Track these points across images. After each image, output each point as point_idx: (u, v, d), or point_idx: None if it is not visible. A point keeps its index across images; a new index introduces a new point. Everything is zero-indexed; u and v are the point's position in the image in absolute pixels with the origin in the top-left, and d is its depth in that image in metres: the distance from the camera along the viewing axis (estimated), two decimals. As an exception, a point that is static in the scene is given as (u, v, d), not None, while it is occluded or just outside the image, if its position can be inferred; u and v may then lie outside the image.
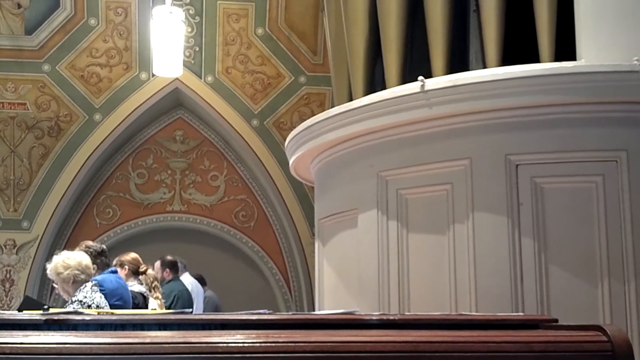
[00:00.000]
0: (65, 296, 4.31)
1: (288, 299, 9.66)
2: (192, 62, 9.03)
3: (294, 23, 9.11)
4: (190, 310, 5.22)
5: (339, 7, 4.53)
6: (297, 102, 9.32)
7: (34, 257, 9.00)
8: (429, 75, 3.83)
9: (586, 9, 3.57)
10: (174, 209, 9.66)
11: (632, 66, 3.33)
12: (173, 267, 6.90)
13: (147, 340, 1.73)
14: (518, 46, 3.86)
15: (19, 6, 8.69)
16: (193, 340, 1.75)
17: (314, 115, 4.73)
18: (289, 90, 9.29)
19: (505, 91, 3.47)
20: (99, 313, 2.37)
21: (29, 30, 8.77)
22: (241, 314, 2.21)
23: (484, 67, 3.82)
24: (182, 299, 6.57)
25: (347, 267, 4.09)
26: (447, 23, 3.95)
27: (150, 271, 5.55)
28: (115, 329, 2.03)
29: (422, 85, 3.63)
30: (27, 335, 1.71)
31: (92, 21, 8.87)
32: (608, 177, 3.37)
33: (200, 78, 9.15)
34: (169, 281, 6.77)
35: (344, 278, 4.14)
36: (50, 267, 4.30)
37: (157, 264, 6.74)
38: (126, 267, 5.37)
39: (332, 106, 4.42)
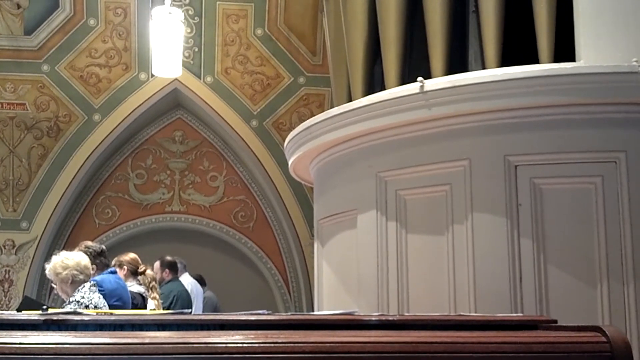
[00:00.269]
0: (63, 296, 4.31)
1: (287, 299, 9.66)
2: (192, 62, 9.04)
3: (293, 24, 9.11)
4: (189, 310, 5.23)
5: (338, 7, 4.53)
6: (297, 102, 9.32)
7: (33, 258, 9.00)
8: (428, 76, 3.83)
9: (585, 10, 3.57)
10: (173, 209, 9.67)
11: (631, 67, 3.33)
12: (172, 268, 6.90)
13: (146, 341, 1.73)
14: (517, 47, 3.86)
15: (18, 6, 8.69)
16: (192, 340, 1.75)
17: (313, 115, 4.73)
18: (288, 90, 9.29)
19: (505, 92, 3.47)
20: (97, 313, 2.37)
21: (28, 31, 8.77)
22: (240, 314, 2.21)
23: (483, 67, 3.82)
24: (181, 300, 6.58)
25: (346, 267, 4.09)
26: (446, 24, 3.95)
27: (148, 271, 5.56)
28: (114, 329, 2.03)
29: (422, 86, 3.63)
30: (26, 336, 1.71)
31: (92, 21, 8.88)
32: (607, 178, 3.37)
33: (200, 78, 9.15)
34: (169, 281, 6.76)
35: (343, 278, 4.14)
36: (49, 267, 4.30)
37: (157, 264, 6.74)
38: (125, 267, 5.37)
39: (332, 107, 4.41)
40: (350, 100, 4.31)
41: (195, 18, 8.97)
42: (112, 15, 8.88)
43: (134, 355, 1.69)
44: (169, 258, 6.96)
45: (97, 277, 4.57)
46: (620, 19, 3.53)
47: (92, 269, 4.47)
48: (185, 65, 8.50)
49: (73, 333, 1.83)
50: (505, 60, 3.74)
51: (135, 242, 9.06)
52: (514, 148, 3.49)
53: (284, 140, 4.94)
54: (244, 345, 1.75)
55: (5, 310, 8.60)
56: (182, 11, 7.65)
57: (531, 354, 1.91)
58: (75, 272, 4.21)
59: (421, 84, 3.64)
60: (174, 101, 9.52)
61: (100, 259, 4.88)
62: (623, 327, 3.21)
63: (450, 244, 3.58)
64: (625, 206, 3.33)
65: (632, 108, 3.38)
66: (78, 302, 4.06)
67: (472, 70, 3.89)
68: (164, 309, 5.69)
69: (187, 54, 8.82)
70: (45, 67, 8.89)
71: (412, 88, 3.69)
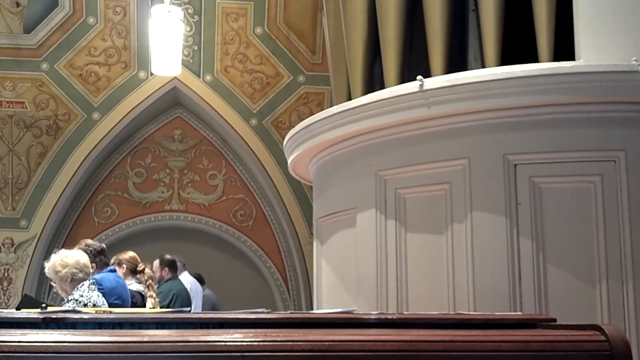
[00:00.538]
0: (63, 294, 4.31)
1: (286, 298, 9.66)
2: (191, 61, 9.03)
3: (293, 22, 9.11)
4: (189, 309, 5.22)
5: (337, 6, 4.53)
6: (296, 101, 9.31)
7: (32, 256, 9.00)
8: (427, 74, 3.83)
9: (585, 9, 3.57)
10: (173, 208, 9.66)
11: (631, 66, 3.33)
12: (172, 266, 6.90)
13: (145, 339, 1.73)
14: (517, 46, 3.86)
15: (18, 5, 8.68)
16: (191, 339, 1.75)
17: (313, 114, 4.73)
18: (287, 89, 9.29)
19: (504, 91, 3.47)
20: (97, 312, 2.37)
21: (28, 29, 8.77)
22: (239, 312, 2.21)
23: (483, 66, 3.82)
24: (180, 298, 6.57)
25: (345, 266, 4.09)
26: (446, 23, 3.95)
27: (147, 270, 5.55)
28: (113, 328, 2.03)
29: (421, 85, 3.63)
30: (25, 334, 1.71)
31: (91, 20, 8.87)
32: (606, 177, 3.37)
33: (199, 77, 9.14)
34: (168, 280, 6.76)
35: (342, 277, 4.14)
36: (48, 265, 4.30)
37: (156, 262, 6.74)
38: (124, 265, 5.37)
39: (331, 105, 4.42)
40: (349, 99, 4.31)
41: (195, 16, 8.96)
42: (112, 14, 8.88)
43: (133, 353, 1.69)
44: (168, 256, 6.96)
45: (97, 276, 4.57)
46: (620, 19, 3.53)
47: (92, 267, 4.47)
48: (185, 64, 8.50)
49: (72, 331, 1.83)
50: (505, 59, 3.75)
51: (134, 240, 9.06)
52: (514, 147, 3.49)
53: (283, 139, 4.94)
54: (243, 343, 1.75)
55: (5, 308, 8.60)
56: (182, 10, 7.65)
57: (530, 353, 1.91)
58: (74, 271, 4.21)
59: (421, 82, 3.64)
60: (173, 100, 9.52)
61: (100, 258, 4.88)
62: (622, 326, 3.21)
63: (450, 242, 3.58)
64: (624, 205, 3.33)
65: (631, 107, 3.39)
66: (77, 300, 4.06)
67: (471, 69, 3.89)
68: (163, 307, 5.69)
69: (186, 53, 8.82)
70: (44, 66, 8.88)
71: (411, 87, 3.69)
